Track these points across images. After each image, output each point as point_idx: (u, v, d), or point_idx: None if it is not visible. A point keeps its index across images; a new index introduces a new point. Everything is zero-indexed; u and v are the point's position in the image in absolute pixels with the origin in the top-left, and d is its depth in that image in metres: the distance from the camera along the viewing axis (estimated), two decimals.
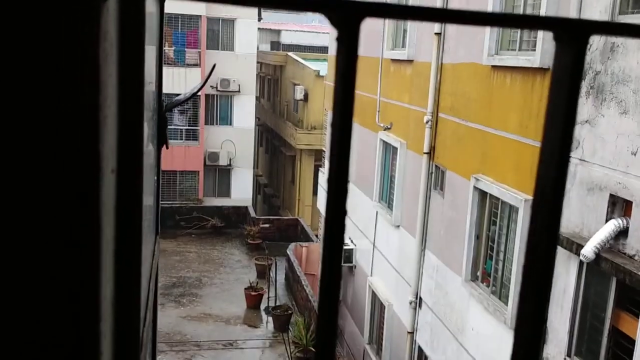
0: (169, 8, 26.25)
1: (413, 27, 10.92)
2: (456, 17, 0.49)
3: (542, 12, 7.09)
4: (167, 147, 1.62)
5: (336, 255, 0.47)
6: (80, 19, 0.40)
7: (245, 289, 17.28)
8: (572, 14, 6.52)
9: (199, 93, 24.51)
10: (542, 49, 7.03)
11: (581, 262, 6.24)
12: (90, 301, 0.46)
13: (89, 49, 0.41)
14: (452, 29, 9.58)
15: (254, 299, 17.07)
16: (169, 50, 24.60)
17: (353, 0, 0.45)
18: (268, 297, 16.94)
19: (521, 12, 7.80)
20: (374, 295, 12.80)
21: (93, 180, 0.44)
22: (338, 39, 0.47)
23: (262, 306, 17.10)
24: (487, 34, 8.29)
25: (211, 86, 25.02)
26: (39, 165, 0.43)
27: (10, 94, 0.43)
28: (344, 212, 0.48)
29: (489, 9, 8.26)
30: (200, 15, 24.56)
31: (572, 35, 0.49)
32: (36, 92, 0.42)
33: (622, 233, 5.81)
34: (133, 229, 0.68)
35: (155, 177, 1.52)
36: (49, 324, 0.47)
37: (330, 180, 0.50)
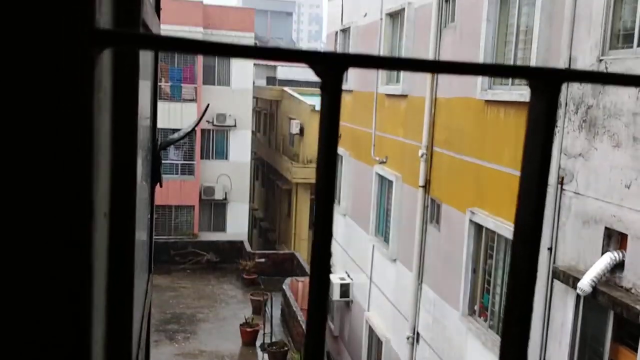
0: None
1: None
2: (432, 67, 0.51)
3: (534, 48, 7.22)
4: (160, 186, 1.64)
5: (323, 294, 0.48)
6: (75, 70, 0.42)
7: (240, 325, 17.06)
8: (564, 50, 6.65)
9: (195, 128, 24.65)
10: None
11: (578, 296, 6.21)
12: (80, 346, 0.46)
13: (82, 100, 0.43)
14: None
15: (249, 335, 16.84)
16: (165, 86, 24.83)
17: (335, 53, 0.47)
18: (264, 333, 16.71)
19: (513, 48, 7.95)
20: (371, 331, 12.66)
21: (85, 227, 0.46)
22: (321, 88, 0.50)
23: (258, 342, 16.85)
24: None
25: (207, 121, 25.18)
26: (31, 214, 0.44)
27: (6, 140, 0.44)
28: (329, 256, 0.49)
29: (481, 52, 8.41)
30: None
31: (546, 84, 0.51)
32: (31, 141, 0.44)
33: (618, 266, 5.80)
34: (126, 271, 0.69)
35: (149, 216, 1.53)
36: None
37: (316, 232, 0.51)
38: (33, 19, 0.42)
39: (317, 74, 0.49)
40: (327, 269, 0.51)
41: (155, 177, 1.53)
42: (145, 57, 1.49)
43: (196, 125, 2.63)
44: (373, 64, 0.48)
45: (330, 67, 0.48)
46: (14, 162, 0.44)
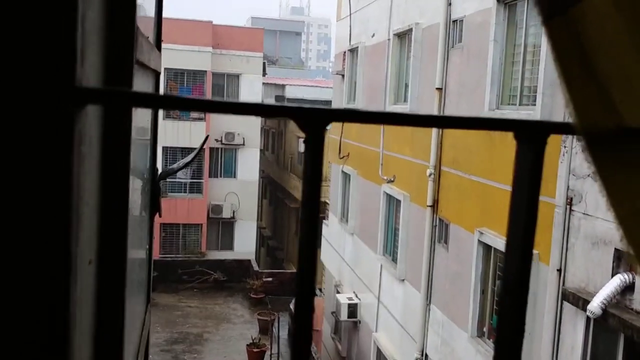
0: (175, 64, 26.68)
1: (415, 82, 11.12)
2: (416, 121, 0.51)
3: (542, 67, 7.22)
4: (160, 216, 1.64)
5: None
6: (52, 127, 0.43)
7: (247, 345, 16.95)
8: None
9: (204, 147, 24.78)
10: (542, 103, 7.13)
11: (588, 318, 6.12)
12: None
13: (61, 155, 0.43)
14: (453, 84, 9.75)
15: (256, 356, 16.72)
16: None
17: (317, 108, 0.48)
18: (271, 354, 16.59)
19: (520, 68, 7.96)
20: (378, 352, 12.53)
21: (63, 276, 0.45)
22: (305, 142, 0.50)
23: None
24: (488, 88, 8.43)
25: (215, 139, 25.32)
26: (8, 269, 0.44)
27: None
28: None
29: (488, 72, 8.42)
30: (206, 71, 25.11)
31: (531, 136, 0.51)
32: (6, 195, 0.44)
33: (629, 288, 5.73)
34: (115, 315, 0.68)
35: (147, 246, 1.53)
36: None
37: (299, 269, 0.51)
38: (13, 78, 0.42)
39: (301, 128, 0.49)
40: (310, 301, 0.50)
41: (154, 207, 1.54)
42: (146, 80, 1.50)
43: (195, 156, 2.66)
44: (354, 118, 0.49)
45: (313, 121, 0.48)
46: None
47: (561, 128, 0.51)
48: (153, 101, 0.44)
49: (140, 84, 1.18)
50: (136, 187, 1.15)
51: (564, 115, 6.82)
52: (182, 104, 0.47)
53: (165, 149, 23.13)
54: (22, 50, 0.44)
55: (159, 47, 1.63)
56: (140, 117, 1.33)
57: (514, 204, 0.52)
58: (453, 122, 0.52)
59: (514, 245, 0.49)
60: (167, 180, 24.41)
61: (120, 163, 0.65)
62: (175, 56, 23.79)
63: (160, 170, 1.81)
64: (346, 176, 15.20)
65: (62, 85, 0.42)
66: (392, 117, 0.49)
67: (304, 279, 0.47)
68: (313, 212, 0.48)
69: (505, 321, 0.49)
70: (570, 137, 6.68)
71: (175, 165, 2.82)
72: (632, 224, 0.49)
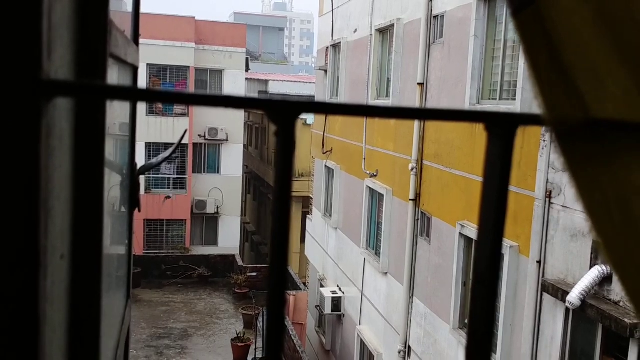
0: (158, 59, 26.47)
1: (397, 77, 11.15)
2: (389, 113, 0.51)
3: (521, 63, 7.29)
4: (139, 211, 1.63)
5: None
6: (18, 121, 0.42)
7: (232, 340, 16.93)
8: None
9: (187, 143, 24.63)
10: (522, 98, 7.19)
11: (567, 309, 6.22)
12: None
13: (27, 147, 0.43)
14: (434, 79, 9.80)
15: (241, 351, 16.71)
16: None
17: (287, 101, 0.48)
18: (255, 348, 16.59)
19: (500, 63, 8.02)
20: (362, 345, 12.60)
21: (31, 270, 0.45)
22: (276, 134, 0.50)
23: (250, 357, 16.72)
24: (469, 83, 8.48)
25: (199, 135, 25.18)
26: None
27: None
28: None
29: (469, 67, 8.47)
30: (189, 67, 24.93)
31: (501, 127, 0.52)
32: None
33: (607, 279, 5.82)
34: (91, 310, 0.68)
35: (127, 241, 1.52)
36: None
37: (271, 263, 0.51)
38: None
39: (271, 120, 0.49)
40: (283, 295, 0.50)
41: (133, 202, 1.53)
42: (123, 74, 1.48)
43: (174, 150, 2.64)
44: (323, 109, 0.49)
45: (283, 113, 0.48)
46: None
47: (530, 119, 0.51)
48: (121, 93, 0.44)
49: (117, 78, 1.17)
50: (114, 181, 1.14)
51: None
52: (154, 96, 0.47)
53: (148, 144, 22.95)
54: None
55: (136, 42, 1.61)
56: (118, 111, 1.32)
57: (485, 194, 0.52)
58: (426, 114, 0.53)
59: (485, 232, 0.50)
60: (152, 176, 24.24)
61: (94, 157, 0.65)
62: (157, 52, 23.58)
63: (139, 165, 1.80)
64: (329, 171, 15.22)
65: (26, 78, 0.42)
66: (362, 109, 0.50)
67: (277, 269, 0.47)
68: (284, 206, 0.48)
69: (476, 309, 0.50)
70: (549, 131, 6.75)
71: (154, 160, 2.81)
72: (599, 214, 0.49)
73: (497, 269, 0.51)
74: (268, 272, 0.50)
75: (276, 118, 0.47)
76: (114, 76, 1.10)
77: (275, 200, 0.49)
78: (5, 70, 0.41)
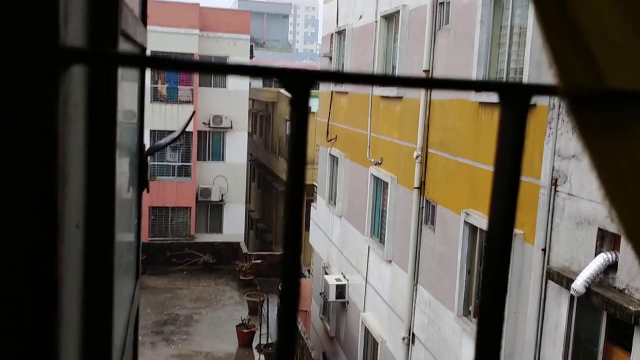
0: (162, 47, 26.36)
1: (402, 65, 11.10)
2: (400, 82, 0.51)
3: (527, 49, 7.24)
4: (147, 191, 1.64)
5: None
6: (36, 87, 0.43)
7: (237, 326, 17.05)
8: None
9: (191, 130, 24.64)
10: None
11: (572, 297, 6.22)
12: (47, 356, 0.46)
13: (45, 115, 0.43)
14: (440, 66, 9.75)
15: (245, 337, 16.83)
16: (162, 88, 24.80)
17: (302, 69, 0.48)
18: (260, 334, 16.71)
19: (507, 50, 7.97)
20: (366, 332, 12.66)
21: (49, 238, 0.46)
22: (291, 103, 0.50)
23: (254, 344, 16.85)
24: (475, 69, 8.44)
25: (203, 123, 25.17)
26: None
27: None
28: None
29: (475, 53, 8.43)
30: (193, 54, 24.87)
31: (515, 98, 0.52)
32: None
33: (612, 267, 5.82)
34: (104, 281, 0.69)
35: (136, 220, 1.53)
36: None
37: (285, 238, 0.52)
38: None
39: (287, 89, 0.49)
40: (297, 284, 0.51)
41: (142, 182, 1.53)
42: (132, 52, 1.48)
43: (182, 132, 2.65)
44: (339, 79, 0.49)
45: (299, 82, 0.48)
46: None
47: (544, 90, 0.51)
48: (137, 61, 0.45)
49: (128, 47, 1.17)
50: (123, 159, 1.15)
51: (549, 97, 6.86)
52: (166, 65, 0.47)
53: (153, 132, 22.97)
54: (3, 11, 0.44)
55: (144, 23, 1.61)
56: (127, 90, 1.32)
57: (498, 169, 0.52)
58: (438, 84, 0.53)
59: (497, 210, 0.50)
60: (156, 163, 24.27)
61: (106, 126, 0.65)
62: (162, 39, 23.51)
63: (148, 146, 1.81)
64: (334, 159, 15.21)
65: (46, 45, 0.42)
66: (374, 78, 0.50)
67: (290, 254, 0.47)
68: (299, 177, 0.49)
69: (487, 288, 0.50)
70: (555, 119, 6.72)
71: (162, 141, 2.81)
72: (613, 183, 0.50)
73: (510, 239, 0.52)
74: (282, 242, 0.50)
75: (291, 87, 0.48)
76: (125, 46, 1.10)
77: (289, 168, 0.49)
78: (25, 38, 0.42)
